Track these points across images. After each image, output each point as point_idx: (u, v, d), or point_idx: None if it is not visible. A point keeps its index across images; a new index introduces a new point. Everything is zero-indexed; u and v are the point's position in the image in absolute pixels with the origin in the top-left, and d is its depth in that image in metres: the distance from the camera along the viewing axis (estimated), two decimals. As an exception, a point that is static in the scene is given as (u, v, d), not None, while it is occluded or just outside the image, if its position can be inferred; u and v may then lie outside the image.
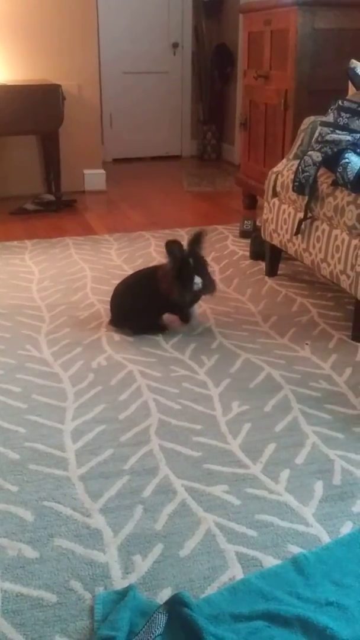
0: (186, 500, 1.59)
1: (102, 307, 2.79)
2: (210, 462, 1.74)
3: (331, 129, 2.66)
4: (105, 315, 2.70)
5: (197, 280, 2.36)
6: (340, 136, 2.59)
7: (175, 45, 6.27)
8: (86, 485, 1.65)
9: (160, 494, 1.62)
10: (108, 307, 2.79)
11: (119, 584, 1.35)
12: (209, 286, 2.44)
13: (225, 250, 3.54)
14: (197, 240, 2.42)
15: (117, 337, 2.50)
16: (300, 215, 2.71)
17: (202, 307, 2.78)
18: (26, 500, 1.60)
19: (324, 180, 2.58)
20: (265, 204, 3.07)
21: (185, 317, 2.58)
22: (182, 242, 2.38)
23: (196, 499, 1.60)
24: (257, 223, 3.65)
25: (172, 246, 2.35)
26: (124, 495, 1.62)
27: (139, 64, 6.17)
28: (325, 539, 1.47)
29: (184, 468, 1.72)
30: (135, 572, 1.38)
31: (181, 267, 2.36)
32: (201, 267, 2.40)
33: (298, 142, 3.03)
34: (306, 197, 2.64)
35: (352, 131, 2.61)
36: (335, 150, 2.55)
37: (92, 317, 2.69)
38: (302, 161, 2.66)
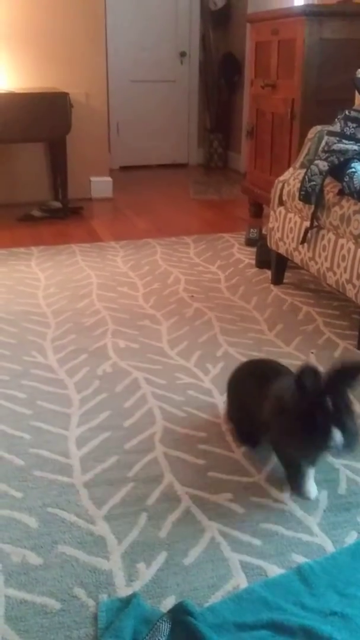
0: (190, 508, 1.59)
1: (108, 314, 2.79)
2: (215, 470, 1.74)
3: (338, 138, 2.66)
4: (111, 322, 2.71)
5: (336, 435, 1.47)
6: (346, 146, 2.60)
7: (182, 54, 6.30)
8: (90, 492, 1.65)
9: (165, 502, 1.61)
10: (113, 313, 2.80)
11: (123, 591, 1.35)
12: (351, 442, 1.50)
13: (231, 259, 3.55)
14: (349, 374, 1.52)
15: (122, 344, 2.51)
16: (307, 224, 2.72)
17: (207, 315, 2.78)
18: (30, 507, 1.60)
19: (330, 190, 2.58)
20: (272, 213, 3.07)
21: (294, 480, 1.67)
22: (320, 371, 1.51)
23: (200, 507, 1.59)
24: (263, 231, 3.65)
25: (305, 374, 1.49)
26: (128, 502, 1.61)
27: (147, 73, 6.20)
28: (330, 548, 1.47)
29: (189, 476, 1.72)
30: (139, 580, 1.38)
31: (312, 410, 1.48)
32: (344, 414, 1.50)
33: (304, 151, 3.04)
34: (312, 206, 2.65)
35: (358, 141, 2.62)
36: (342, 159, 2.55)
37: (97, 324, 2.70)
38: (309, 170, 2.67)
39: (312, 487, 1.64)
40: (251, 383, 1.81)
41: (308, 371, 1.49)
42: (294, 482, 1.65)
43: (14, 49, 4.52)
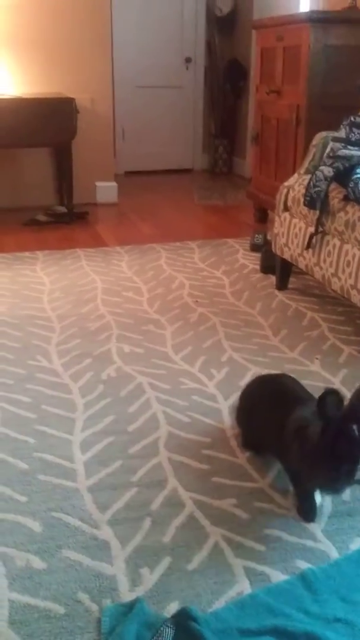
0: (194, 514, 1.59)
1: (112, 319, 2.80)
2: (219, 475, 1.74)
3: (343, 144, 2.67)
4: (116, 327, 2.71)
5: None
6: (352, 152, 2.60)
7: (188, 60, 6.32)
8: (94, 496, 1.65)
9: (169, 507, 1.61)
10: (118, 318, 2.80)
11: (127, 596, 1.34)
12: None
13: (235, 264, 3.55)
14: None
15: (127, 348, 2.51)
16: (311, 229, 2.72)
17: (211, 320, 2.79)
18: (35, 511, 1.60)
19: (335, 195, 2.58)
20: (276, 218, 3.08)
21: (305, 505, 1.60)
22: (342, 397, 1.44)
23: (204, 512, 1.59)
24: (268, 237, 3.65)
25: (327, 402, 1.41)
26: (132, 507, 1.61)
27: (152, 78, 6.22)
28: (334, 554, 1.47)
29: (193, 481, 1.71)
30: (143, 585, 1.37)
31: (337, 440, 1.42)
32: None
33: (309, 157, 3.04)
34: (317, 212, 2.65)
35: (363, 147, 2.62)
36: (347, 165, 2.56)
37: (102, 329, 2.70)
38: (314, 176, 2.67)
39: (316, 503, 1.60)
40: (265, 398, 1.79)
41: (330, 398, 1.41)
42: (303, 508, 1.59)
43: (21, 55, 4.55)
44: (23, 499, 1.64)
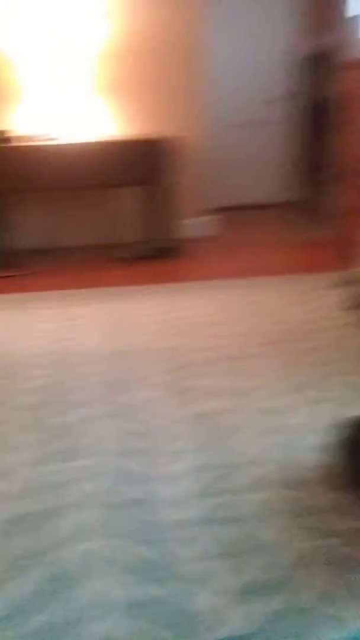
0: (302, 551, 1.59)
1: (199, 355, 2.83)
2: (326, 512, 1.72)
3: None
4: (203, 362, 2.74)
5: None
6: None
7: (277, 97, 6.44)
8: (201, 529, 1.68)
9: (276, 543, 1.62)
10: (205, 353, 2.83)
11: (235, 632, 1.36)
12: None
13: (320, 300, 3.53)
14: None
15: (219, 382, 2.54)
16: None
17: (294, 358, 2.78)
18: (147, 540, 1.64)
19: None
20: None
21: None
22: None
23: (312, 550, 1.59)
24: (356, 273, 3.63)
25: None
26: (238, 541, 1.63)
27: (242, 115, 6.39)
28: None
29: (299, 517, 1.71)
30: (251, 623, 1.38)
31: None
32: None
33: None
34: None
35: None
36: None
37: (190, 362, 2.74)
38: None
39: None
40: None
41: None
42: None
43: (121, 99, 4.77)
44: (134, 527, 1.69)
